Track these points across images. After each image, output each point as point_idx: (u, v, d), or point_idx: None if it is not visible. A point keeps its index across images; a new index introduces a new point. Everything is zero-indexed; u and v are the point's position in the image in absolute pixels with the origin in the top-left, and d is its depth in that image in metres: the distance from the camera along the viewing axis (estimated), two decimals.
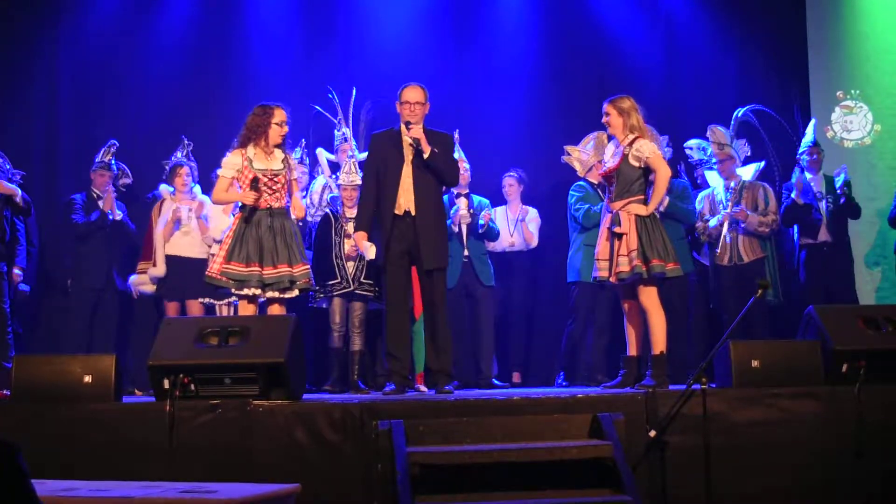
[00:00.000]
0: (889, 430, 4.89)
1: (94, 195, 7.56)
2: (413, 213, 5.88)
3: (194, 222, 7.25)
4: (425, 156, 5.85)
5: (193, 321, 5.59)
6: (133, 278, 7.36)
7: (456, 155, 7.19)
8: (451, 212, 7.28)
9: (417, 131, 5.86)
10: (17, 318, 7.33)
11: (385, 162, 5.96)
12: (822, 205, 7.49)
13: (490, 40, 8.87)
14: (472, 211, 7.41)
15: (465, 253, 7.44)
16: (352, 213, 6.91)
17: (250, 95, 7.95)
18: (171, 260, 7.24)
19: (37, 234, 7.60)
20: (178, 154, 7.62)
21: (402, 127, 5.98)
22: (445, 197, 7.29)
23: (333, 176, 7.44)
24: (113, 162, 7.62)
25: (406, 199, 5.90)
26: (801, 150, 7.69)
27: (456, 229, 7.34)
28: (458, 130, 7.36)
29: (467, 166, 7.42)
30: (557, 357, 7.73)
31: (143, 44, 8.51)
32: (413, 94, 5.97)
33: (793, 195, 7.44)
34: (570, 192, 7.46)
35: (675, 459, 4.71)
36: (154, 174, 7.87)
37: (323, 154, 7.66)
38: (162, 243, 7.23)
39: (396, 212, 5.90)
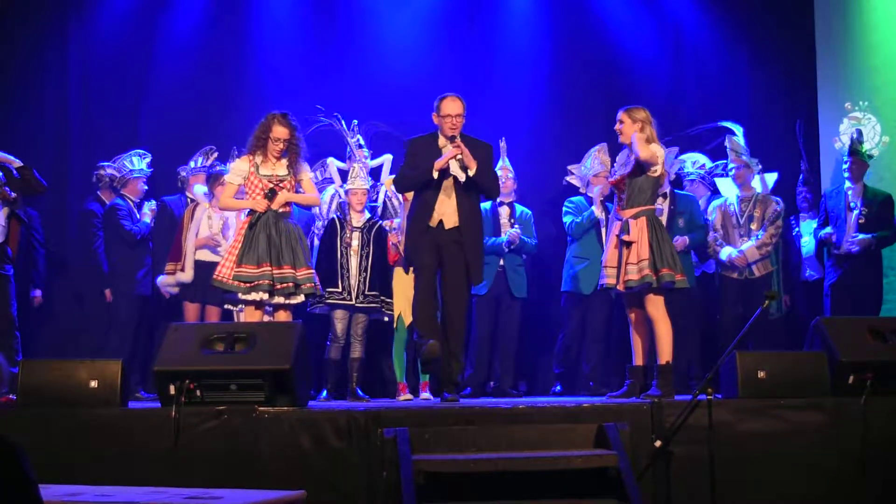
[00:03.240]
0: (895, 442, 4.88)
1: (131, 201, 7.59)
2: (448, 226, 5.82)
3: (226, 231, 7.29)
4: (471, 173, 5.78)
5: (200, 327, 5.61)
6: (161, 279, 7.35)
7: (500, 164, 7.30)
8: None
9: (466, 154, 5.75)
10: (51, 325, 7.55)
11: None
12: (853, 216, 7.45)
13: (496, 47, 8.89)
14: (512, 220, 7.43)
15: (501, 263, 7.43)
16: (359, 218, 6.90)
17: (261, 97, 8.01)
18: (196, 264, 7.25)
19: (41, 233, 7.63)
20: (194, 163, 7.62)
21: (442, 139, 5.88)
22: (488, 204, 7.36)
23: (343, 185, 7.45)
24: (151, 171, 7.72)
25: (441, 212, 5.83)
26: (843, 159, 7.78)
27: (506, 249, 7.38)
28: (504, 138, 7.41)
29: (511, 175, 7.47)
30: (553, 367, 7.77)
31: (155, 44, 8.55)
32: (454, 106, 5.86)
33: (828, 230, 7.47)
34: (564, 206, 7.58)
35: (680, 470, 4.70)
36: (164, 176, 7.90)
37: (333, 163, 7.67)
38: (193, 250, 7.25)
39: (431, 223, 5.84)
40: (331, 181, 7.67)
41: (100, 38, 8.48)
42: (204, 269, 7.14)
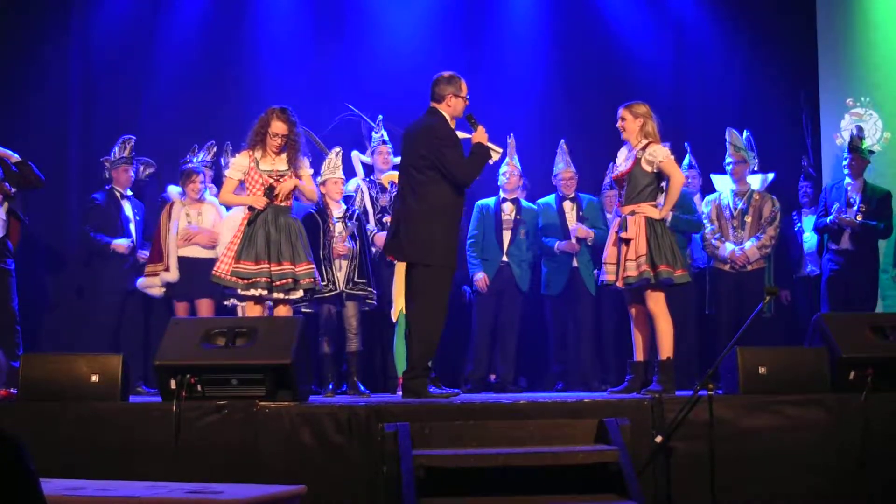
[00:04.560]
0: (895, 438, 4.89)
1: (118, 193, 7.49)
2: None
3: (205, 230, 7.25)
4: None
5: (201, 321, 5.61)
6: (141, 280, 7.29)
7: (507, 160, 7.41)
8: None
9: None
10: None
11: None
12: (852, 212, 7.44)
13: (499, 45, 8.89)
14: (518, 216, 7.42)
15: (504, 259, 7.42)
16: (338, 208, 6.86)
17: (265, 94, 8.00)
18: (180, 261, 7.21)
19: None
20: (196, 159, 7.54)
21: (452, 119, 5.75)
22: (492, 200, 7.51)
23: (367, 179, 7.43)
24: (133, 156, 7.59)
25: None
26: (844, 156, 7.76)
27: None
28: (512, 134, 7.41)
29: (517, 172, 7.48)
30: (552, 366, 7.78)
31: (156, 42, 8.54)
32: None
33: (828, 220, 7.46)
34: (535, 205, 7.64)
35: (680, 465, 4.70)
36: (168, 174, 7.89)
37: (357, 157, 7.65)
38: (175, 249, 7.20)
39: None
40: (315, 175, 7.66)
41: (101, 31, 8.45)
42: (187, 266, 7.14)
